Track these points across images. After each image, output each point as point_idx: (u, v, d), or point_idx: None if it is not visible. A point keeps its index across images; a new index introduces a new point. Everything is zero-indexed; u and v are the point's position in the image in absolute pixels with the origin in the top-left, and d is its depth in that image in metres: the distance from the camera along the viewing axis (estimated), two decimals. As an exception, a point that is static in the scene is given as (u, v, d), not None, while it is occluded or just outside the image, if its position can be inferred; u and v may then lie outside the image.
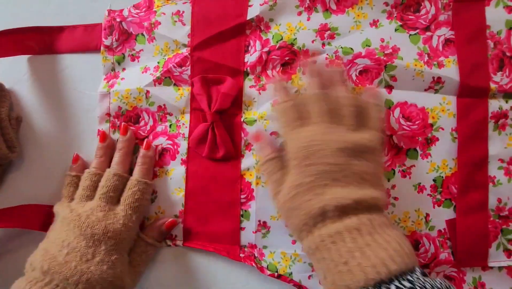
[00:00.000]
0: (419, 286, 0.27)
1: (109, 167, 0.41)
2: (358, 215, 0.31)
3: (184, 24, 0.43)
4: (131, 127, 0.43)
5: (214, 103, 0.40)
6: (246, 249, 0.41)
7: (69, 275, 0.34)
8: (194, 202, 0.42)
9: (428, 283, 0.28)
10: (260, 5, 0.41)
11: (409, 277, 0.28)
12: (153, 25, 0.43)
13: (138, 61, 0.44)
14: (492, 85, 0.38)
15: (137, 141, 0.43)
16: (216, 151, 0.41)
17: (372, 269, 0.28)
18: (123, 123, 0.43)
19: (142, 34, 0.43)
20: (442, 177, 0.39)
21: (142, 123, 0.43)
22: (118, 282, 0.36)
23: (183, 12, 0.43)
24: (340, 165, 0.32)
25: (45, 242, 0.38)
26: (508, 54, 0.38)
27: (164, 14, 0.43)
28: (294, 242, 0.40)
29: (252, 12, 0.42)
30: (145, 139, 0.43)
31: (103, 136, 0.42)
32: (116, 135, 0.43)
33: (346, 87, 0.37)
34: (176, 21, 0.43)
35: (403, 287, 0.27)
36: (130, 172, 0.42)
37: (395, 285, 0.27)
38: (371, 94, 0.37)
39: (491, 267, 0.38)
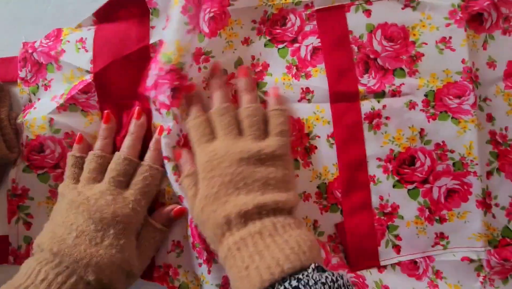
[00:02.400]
0: (302, 284, 0.28)
1: (113, 149, 0.41)
2: (261, 220, 0.32)
3: (86, 51, 0.42)
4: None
5: (124, 130, 0.41)
6: (161, 269, 0.41)
7: (79, 258, 0.34)
8: None
9: (312, 279, 0.28)
10: (163, 29, 0.41)
11: (298, 276, 0.28)
12: (58, 54, 0.43)
13: (50, 90, 0.44)
14: (361, 88, 0.39)
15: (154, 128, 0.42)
16: None
17: (267, 270, 0.29)
18: (137, 107, 0.42)
19: (51, 63, 0.43)
20: (326, 183, 0.40)
21: (48, 151, 0.42)
22: (126, 266, 0.36)
23: (86, 38, 0.43)
24: (242, 173, 0.34)
25: (51, 224, 0.37)
26: (371, 56, 0.39)
27: (69, 42, 0.43)
28: (200, 265, 0.40)
29: (155, 36, 0.42)
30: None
31: (108, 117, 0.41)
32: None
33: (252, 96, 0.38)
34: (79, 48, 0.43)
35: (289, 287, 0.28)
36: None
37: (284, 286, 0.28)
38: (274, 100, 0.39)
39: (385, 267, 0.39)
